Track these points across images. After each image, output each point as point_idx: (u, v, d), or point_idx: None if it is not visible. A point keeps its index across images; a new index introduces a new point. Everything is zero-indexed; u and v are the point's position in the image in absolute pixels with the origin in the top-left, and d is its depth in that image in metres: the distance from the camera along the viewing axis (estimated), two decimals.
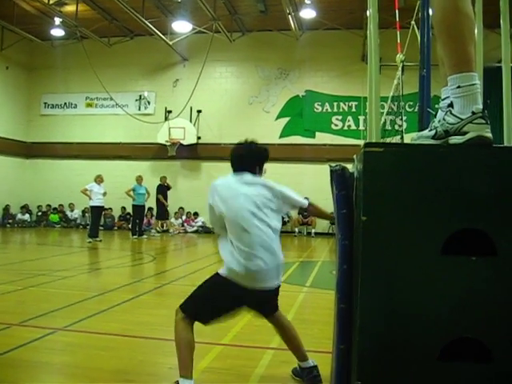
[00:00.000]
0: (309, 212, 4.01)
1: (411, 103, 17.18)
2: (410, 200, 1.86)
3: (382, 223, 1.86)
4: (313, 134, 21.48)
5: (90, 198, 15.44)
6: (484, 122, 1.90)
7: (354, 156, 2.33)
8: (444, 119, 1.99)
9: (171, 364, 3.96)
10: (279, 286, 3.64)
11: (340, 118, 21.43)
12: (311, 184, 20.34)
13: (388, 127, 16.89)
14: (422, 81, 3.36)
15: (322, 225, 20.60)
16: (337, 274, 2.31)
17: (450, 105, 1.98)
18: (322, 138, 21.34)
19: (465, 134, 1.90)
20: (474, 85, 1.94)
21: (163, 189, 18.82)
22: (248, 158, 3.84)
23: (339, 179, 2.33)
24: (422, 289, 1.84)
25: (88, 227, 17.18)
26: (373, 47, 2.36)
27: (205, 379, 3.90)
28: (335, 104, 21.43)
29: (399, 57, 4.18)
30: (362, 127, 20.98)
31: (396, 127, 16.72)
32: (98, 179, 15.72)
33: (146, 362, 4.28)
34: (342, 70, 21.10)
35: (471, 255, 1.82)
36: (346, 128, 21.35)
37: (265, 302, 3.69)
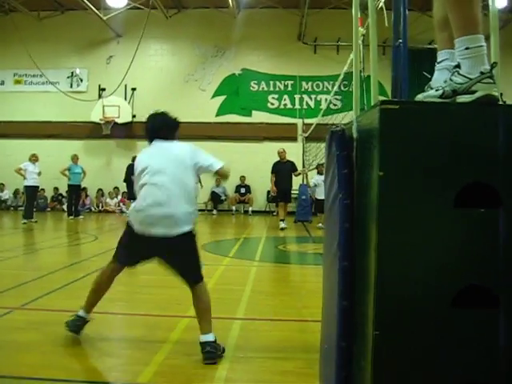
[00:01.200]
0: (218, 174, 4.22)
1: (346, 82, 17.45)
2: (423, 155, 1.92)
3: (398, 178, 1.92)
4: (249, 113, 21.51)
5: (25, 178, 14.94)
6: (492, 81, 1.99)
7: (354, 118, 2.38)
8: (451, 79, 2.06)
9: (139, 336, 3.98)
10: (177, 237, 3.78)
11: (276, 96, 21.53)
12: (248, 162, 20.47)
13: (323, 106, 17.17)
14: (395, 52, 3.42)
15: (259, 203, 20.78)
16: (337, 233, 2.36)
17: (457, 66, 2.06)
18: (258, 116, 21.40)
19: (473, 92, 1.98)
20: (481, 46, 2.02)
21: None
22: (165, 127, 4.19)
23: (340, 140, 2.37)
24: (435, 240, 1.92)
25: (21, 208, 16.64)
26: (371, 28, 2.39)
27: (178, 350, 3.90)
28: (271, 83, 21.51)
29: (360, 31, 4.26)
30: (297, 106, 21.18)
31: (331, 106, 17.03)
32: (33, 158, 15.22)
33: (112, 337, 4.31)
34: (279, 49, 21.15)
35: (480, 207, 1.91)
36: (282, 107, 21.49)
37: (167, 252, 3.89)
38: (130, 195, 18.95)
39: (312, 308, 4.83)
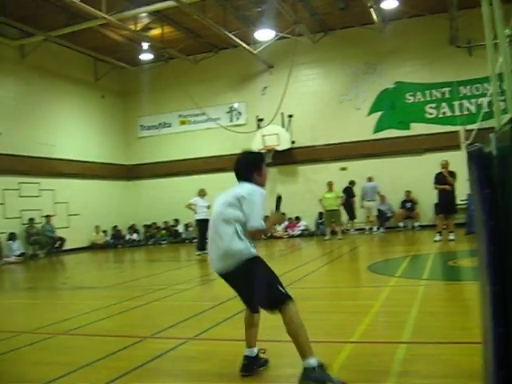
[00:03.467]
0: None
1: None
2: None
3: None
4: (407, 126, 21.02)
5: (195, 212, 15.78)
6: None
7: (491, 135, 2.28)
8: None
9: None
10: (233, 272, 3.95)
11: (434, 105, 20.83)
12: (410, 176, 20.02)
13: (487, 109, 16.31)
14: None
15: (427, 217, 20.10)
16: (484, 255, 2.26)
17: None
18: (416, 128, 20.84)
19: None
20: None
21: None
22: (239, 167, 4.24)
23: (478, 160, 2.28)
24: None
25: (195, 241, 17.56)
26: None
27: (343, 378, 3.88)
28: (427, 92, 20.87)
29: (506, 32, 4.02)
30: (457, 113, 20.33)
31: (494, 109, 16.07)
32: (201, 193, 16.05)
33: (285, 365, 4.32)
34: (431, 57, 20.54)
35: None
36: (440, 115, 20.73)
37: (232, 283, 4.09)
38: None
39: None
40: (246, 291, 4.06)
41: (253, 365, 4.12)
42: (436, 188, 14.28)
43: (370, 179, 19.78)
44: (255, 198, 3.94)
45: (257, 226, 3.89)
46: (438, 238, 14.09)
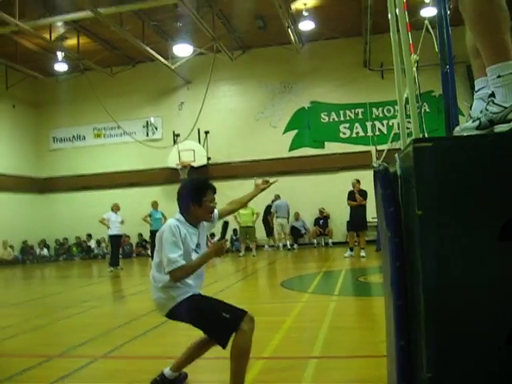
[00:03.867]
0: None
1: (418, 104, 17.15)
2: (463, 191, 1.88)
3: (438, 216, 1.89)
4: (322, 145, 21.54)
5: (108, 227, 15.48)
6: None
7: (396, 155, 2.37)
8: (487, 109, 2.02)
9: (220, 380, 3.98)
10: (167, 315, 3.82)
11: (347, 125, 21.48)
12: (325, 194, 20.44)
13: (397, 130, 16.91)
14: (444, 78, 3.37)
15: (339, 234, 20.56)
16: (389, 272, 2.34)
17: (492, 95, 2.02)
18: (331, 147, 21.39)
19: (510, 121, 1.94)
20: None
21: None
22: (177, 195, 3.92)
23: (383, 179, 2.35)
24: (482, 275, 1.86)
25: (108, 256, 17.20)
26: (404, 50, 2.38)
27: None
28: (341, 112, 21.51)
29: (413, 57, 4.21)
30: (370, 133, 21.01)
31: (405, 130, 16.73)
32: (115, 208, 15.78)
33: (196, 382, 4.29)
34: (346, 79, 21.18)
35: None
36: (354, 135, 21.40)
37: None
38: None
39: None
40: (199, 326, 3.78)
41: None
42: (349, 204, 14.83)
43: (278, 197, 19.82)
44: (164, 239, 3.64)
45: (170, 269, 3.57)
46: (348, 254, 14.62)
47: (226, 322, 3.55)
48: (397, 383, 2.26)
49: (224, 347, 3.56)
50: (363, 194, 14.63)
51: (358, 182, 14.84)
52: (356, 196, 14.63)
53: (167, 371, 3.95)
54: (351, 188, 14.85)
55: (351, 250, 14.77)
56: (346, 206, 15.00)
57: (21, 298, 10.80)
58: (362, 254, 14.34)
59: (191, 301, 3.71)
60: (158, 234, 3.75)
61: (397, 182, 2.35)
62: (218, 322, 3.57)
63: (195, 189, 3.87)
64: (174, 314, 3.75)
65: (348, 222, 15.82)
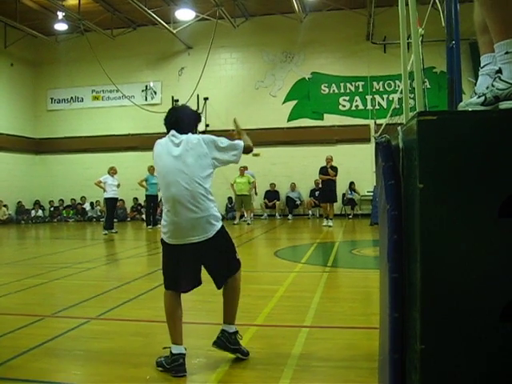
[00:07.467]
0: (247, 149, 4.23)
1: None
2: (465, 166, 1.88)
3: (439, 190, 1.89)
4: (321, 116, 21.44)
5: (105, 190, 15.47)
6: None
7: (399, 128, 2.36)
8: (493, 85, 2.01)
9: (207, 346, 4.03)
10: (209, 239, 3.76)
11: (347, 98, 21.35)
12: (321, 166, 20.39)
13: (397, 105, 16.88)
14: (450, 53, 3.34)
15: (335, 206, 20.60)
16: (386, 244, 2.34)
17: (499, 71, 2.00)
18: (330, 119, 21.30)
19: None
20: None
21: None
22: (183, 119, 4.19)
23: (385, 151, 2.35)
24: (480, 251, 1.87)
25: (102, 219, 17.23)
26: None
27: (243, 359, 3.95)
28: (342, 85, 21.35)
29: (420, 31, 4.18)
30: (369, 107, 20.91)
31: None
32: (112, 171, 15.75)
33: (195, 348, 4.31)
34: (347, 51, 21.03)
35: None
36: (353, 108, 21.28)
37: (203, 257, 3.85)
38: None
39: None
40: (223, 260, 3.92)
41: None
42: (320, 178, 16.35)
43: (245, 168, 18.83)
44: (210, 140, 4.02)
45: (242, 144, 4.16)
46: (325, 223, 16.00)
47: (236, 263, 3.98)
48: (389, 354, 2.29)
49: (219, 287, 3.97)
50: (334, 169, 15.88)
51: (331, 158, 16.11)
52: (328, 171, 15.82)
53: (225, 327, 3.97)
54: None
55: (327, 218, 15.97)
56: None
57: (14, 257, 10.83)
58: (330, 223, 15.75)
59: (224, 228, 3.95)
60: (204, 138, 4.03)
61: (398, 155, 2.34)
62: (233, 260, 3.96)
63: (197, 118, 4.39)
64: (215, 237, 3.78)
65: (319, 194, 17.49)
